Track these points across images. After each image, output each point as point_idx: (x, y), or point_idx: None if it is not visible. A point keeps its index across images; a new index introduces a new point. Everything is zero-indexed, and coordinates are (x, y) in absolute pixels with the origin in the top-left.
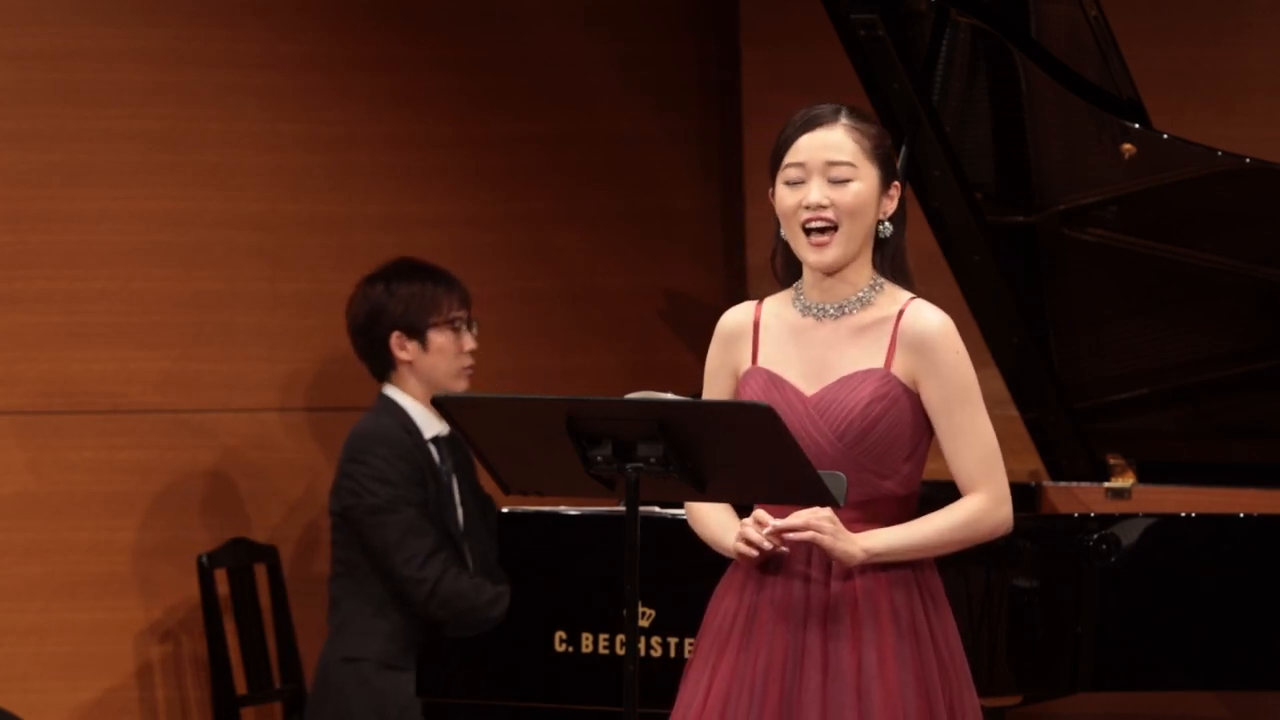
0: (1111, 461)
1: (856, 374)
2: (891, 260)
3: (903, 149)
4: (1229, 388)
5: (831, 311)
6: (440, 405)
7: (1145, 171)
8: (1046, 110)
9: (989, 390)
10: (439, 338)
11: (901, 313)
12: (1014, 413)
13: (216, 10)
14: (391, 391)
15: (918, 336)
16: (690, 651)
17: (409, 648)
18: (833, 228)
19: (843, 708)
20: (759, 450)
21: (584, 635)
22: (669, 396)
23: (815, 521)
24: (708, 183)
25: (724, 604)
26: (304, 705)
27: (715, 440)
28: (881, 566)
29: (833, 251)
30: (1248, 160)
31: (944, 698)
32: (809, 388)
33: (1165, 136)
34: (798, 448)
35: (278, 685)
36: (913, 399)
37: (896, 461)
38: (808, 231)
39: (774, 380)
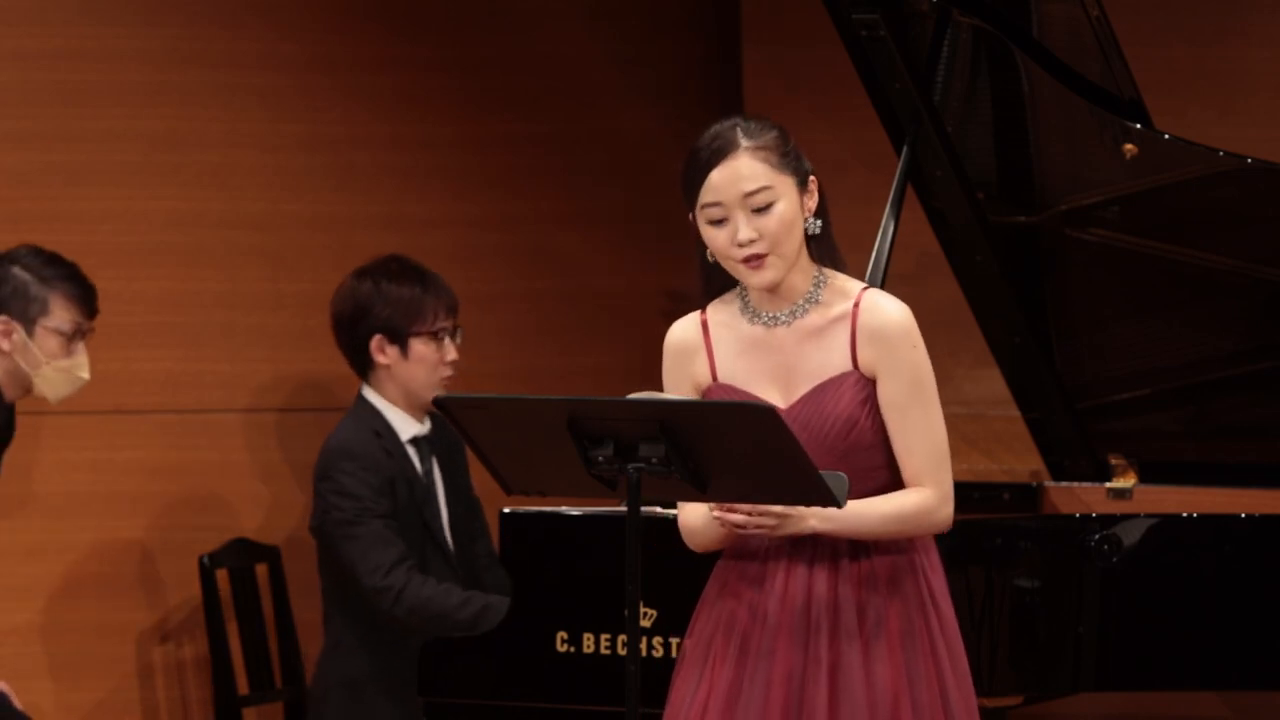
0: (1113, 462)
1: (830, 381)
2: (826, 249)
3: (904, 149)
4: (1231, 388)
5: (784, 318)
6: (442, 406)
7: (1147, 172)
8: (1048, 110)
9: (989, 390)
10: (421, 347)
11: (857, 305)
12: (1015, 413)
13: (218, 10)
14: (369, 394)
15: (878, 330)
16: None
17: (398, 663)
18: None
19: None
20: (760, 450)
21: (585, 636)
22: (670, 396)
23: (757, 520)
24: None
25: (722, 603)
26: (304, 710)
27: (717, 440)
28: (888, 578)
29: (770, 273)
30: (1249, 161)
31: (959, 700)
32: (782, 400)
33: (1167, 137)
34: (799, 447)
35: (279, 686)
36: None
37: (880, 463)
38: (744, 260)
39: (742, 397)
